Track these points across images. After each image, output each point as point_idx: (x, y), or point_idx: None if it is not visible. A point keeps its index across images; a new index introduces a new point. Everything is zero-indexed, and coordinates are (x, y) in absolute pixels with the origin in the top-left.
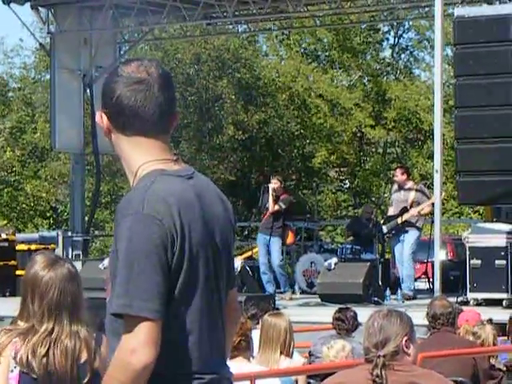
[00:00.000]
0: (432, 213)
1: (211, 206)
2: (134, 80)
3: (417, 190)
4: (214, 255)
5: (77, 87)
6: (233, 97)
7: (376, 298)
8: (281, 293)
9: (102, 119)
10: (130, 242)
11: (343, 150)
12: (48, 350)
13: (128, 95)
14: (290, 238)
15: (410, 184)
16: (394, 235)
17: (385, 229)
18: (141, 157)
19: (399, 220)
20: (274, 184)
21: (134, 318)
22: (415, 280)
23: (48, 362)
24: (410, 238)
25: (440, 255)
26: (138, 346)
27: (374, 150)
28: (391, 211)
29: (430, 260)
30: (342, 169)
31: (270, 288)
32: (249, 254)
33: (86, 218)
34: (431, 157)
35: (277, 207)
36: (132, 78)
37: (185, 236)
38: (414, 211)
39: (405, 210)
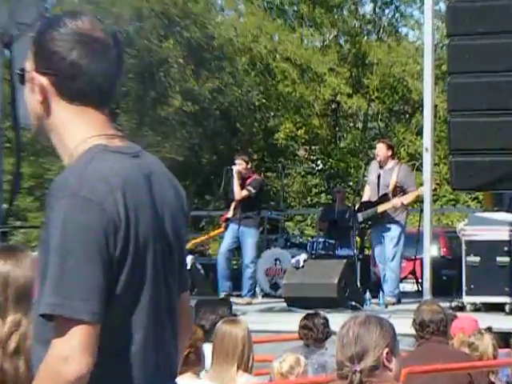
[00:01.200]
0: (421, 200)
1: (161, 191)
2: (91, 38)
3: (401, 172)
4: (164, 249)
5: None
6: (181, 60)
7: (353, 303)
8: (238, 296)
9: (37, 83)
10: (65, 230)
11: (314, 124)
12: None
13: (85, 57)
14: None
15: (392, 163)
16: (372, 226)
17: (360, 217)
18: (83, 131)
19: (379, 208)
20: (238, 165)
21: (67, 320)
22: (401, 281)
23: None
24: (393, 232)
25: (430, 251)
26: (71, 354)
27: (351, 124)
28: (367, 196)
29: (418, 256)
30: (312, 147)
31: (224, 285)
32: (201, 238)
33: (5, 206)
34: (420, 133)
35: (245, 192)
36: (88, 36)
37: (130, 224)
38: (396, 201)
39: (385, 196)
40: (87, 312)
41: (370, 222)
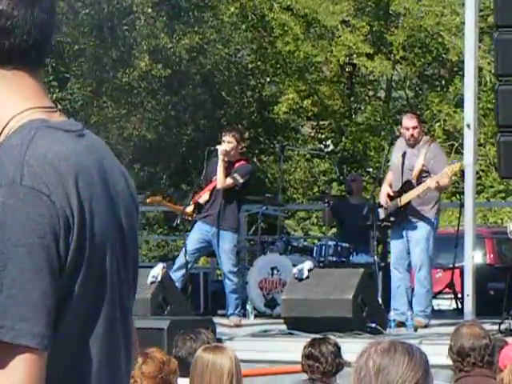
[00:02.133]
0: (460, 192)
1: (114, 180)
2: None
3: (429, 152)
4: (121, 252)
5: None
6: (149, 10)
7: (373, 325)
8: (223, 316)
9: None
10: (3, 230)
11: (323, 93)
12: None
13: (17, 4)
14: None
15: (421, 142)
16: (394, 225)
17: (381, 213)
18: (17, 103)
19: (399, 201)
20: (227, 144)
21: (7, 346)
22: (434, 296)
23: None
24: (420, 232)
25: (474, 258)
26: None
27: (371, 92)
28: (387, 184)
29: (457, 265)
30: (320, 122)
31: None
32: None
33: None
34: (461, 104)
35: (230, 180)
36: None
37: (85, 221)
38: (421, 188)
39: (408, 185)
40: (33, 335)
41: (392, 219)
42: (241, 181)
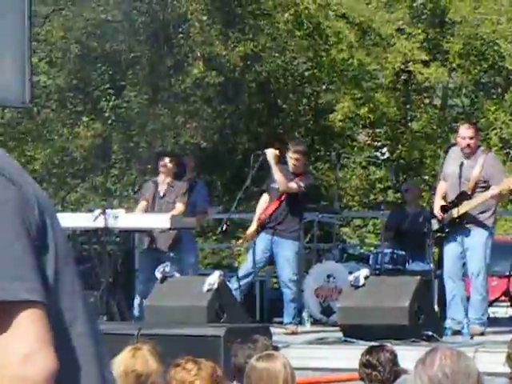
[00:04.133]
0: None
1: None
2: None
3: (486, 162)
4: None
5: None
6: (203, 17)
7: (430, 332)
8: (279, 323)
9: None
10: None
11: (379, 101)
12: None
13: None
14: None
15: (478, 152)
16: (449, 235)
17: (435, 224)
18: None
19: (455, 212)
20: (294, 158)
21: (9, 305)
22: (490, 304)
23: None
24: (476, 240)
25: None
26: (29, 348)
27: (427, 100)
28: (441, 194)
29: None
30: (376, 130)
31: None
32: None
33: None
34: None
35: (293, 185)
36: None
37: (47, 223)
38: (478, 199)
39: (464, 195)
40: (28, 290)
41: (447, 230)
42: (303, 187)
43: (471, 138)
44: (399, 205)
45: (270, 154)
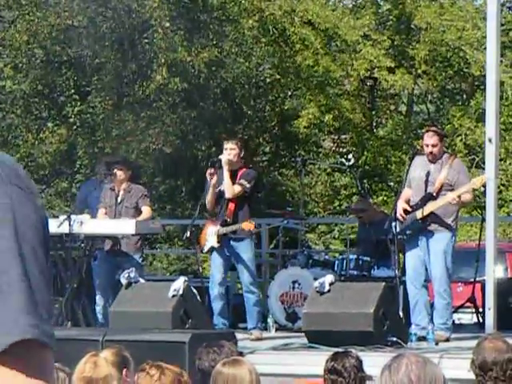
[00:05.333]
0: (481, 206)
1: None
2: None
3: (452, 168)
4: None
5: None
6: (167, 24)
7: (395, 338)
8: (243, 329)
9: None
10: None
11: (344, 107)
12: None
13: None
14: (248, 225)
15: (444, 157)
16: (410, 238)
17: (397, 228)
18: None
19: (419, 213)
20: (229, 152)
21: (40, 347)
22: (456, 310)
23: None
24: (439, 244)
25: (495, 272)
26: None
27: (392, 106)
28: (404, 199)
29: (478, 279)
30: (342, 136)
31: (220, 323)
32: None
33: None
34: (482, 119)
35: (238, 188)
36: None
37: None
38: (444, 199)
39: (429, 197)
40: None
41: (408, 232)
42: (248, 186)
43: (434, 146)
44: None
45: (224, 159)
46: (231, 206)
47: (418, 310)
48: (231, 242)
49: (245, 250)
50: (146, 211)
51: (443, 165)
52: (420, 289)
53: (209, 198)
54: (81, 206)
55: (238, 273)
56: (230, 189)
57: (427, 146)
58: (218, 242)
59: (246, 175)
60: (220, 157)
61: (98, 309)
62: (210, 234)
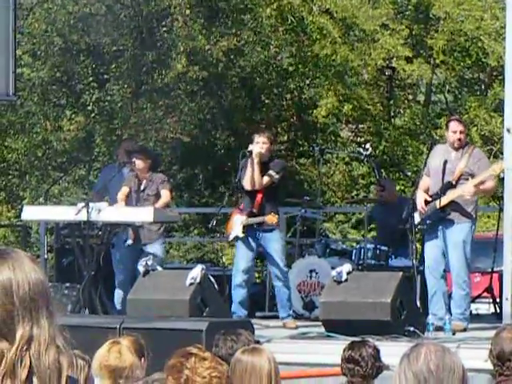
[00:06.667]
0: (499, 196)
1: None
2: None
3: (472, 157)
4: None
5: None
6: (187, 11)
7: (412, 328)
8: (261, 318)
9: None
10: None
11: (362, 97)
12: None
13: None
14: (272, 218)
15: (465, 147)
16: (430, 228)
17: (417, 217)
18: None
19: (438, 203)
20: (261, 145)
21: None
22: (473, 300)
23: None
24: (458, 234)
25: None
26: None
27: (410, 96)
28: (423, 189)
29: (496, 269)
30: (360, 126)
31: (240, 311)
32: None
33: None
34: (500, 109)
35: (266, 179)
36: None
37: None
38: (465, 189)
39: (449, 186)
40: None
41: (428, 222)
42: (276, 177)
43: (462, 132)
44: (381, 200)
45: (255, 151)
46: (258, 197)
47: (436, 299)
48: (260, 233)
49: (274, 239)
50: (165, 195)
51: (463, 154)
52: (439, 279)
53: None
54: (100, 191)
55: (268, 262)
56: (258, 180)
57: (455, 132)
58: (243, 232)
59: (275, 166)
60: (251, 148)
61: (118, 297)
62: (236, 224)
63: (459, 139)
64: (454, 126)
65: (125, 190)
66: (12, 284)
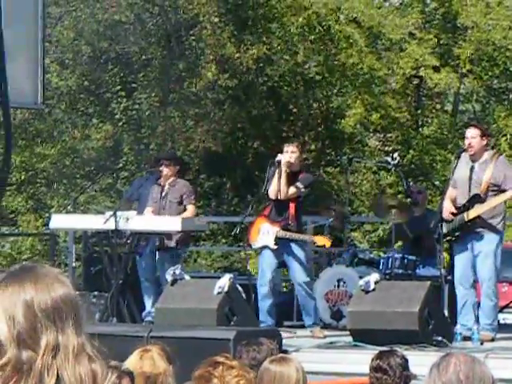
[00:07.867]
0: None
1: None
2: None
3: (497, 166)
4: None
5: None
6: (216, 19)
7: (440, 338)
8: (289, 327)
9: None
10: None
11: (390, 106)
12: None
13: None
14: (323, 240)
15: (486, 155)
16: (459, 239)
17: (444, 228)
18: None
19: (466, 216)
20: (290, 155)
21: None
22: (500, 310)
23: None
24: (487, 246)
25: None
26: None
27: (438, 105)
28: (450, 199)
29: None
30: (387, 135)
31: (268, 320)
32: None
33: None
34: None
35: (293, 190)
36: None
37: None
38: (492, 202)
39: (476, 198)
40: None
41: (457, 234)
42: (303, 190)
43: (473, 138)
44: (410, 208)
45: (284, 160)
46: (292, 209)
47: (466, 310)
48: (290, 243)
49: (300, 248)
50: (190, 210)
51: (487, 164)
52: (469, 289)
53: (283, 182)
54: (130, 198)
55: (292, 271)
56: (284, 190)
57: (467, 138)
58: (276, 243)
59: (304, 179)
60: (279, 157)
61: (145, 312)
62: (265, 232)
63: (470, 144)
64: (467, 131)
65: (148, 209)
66: (33, 300)
